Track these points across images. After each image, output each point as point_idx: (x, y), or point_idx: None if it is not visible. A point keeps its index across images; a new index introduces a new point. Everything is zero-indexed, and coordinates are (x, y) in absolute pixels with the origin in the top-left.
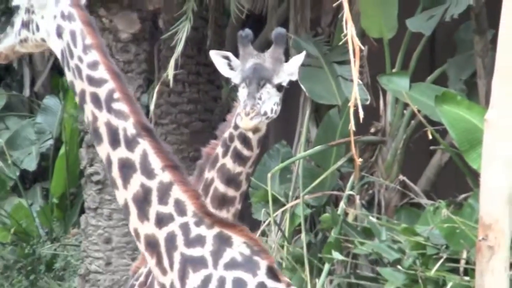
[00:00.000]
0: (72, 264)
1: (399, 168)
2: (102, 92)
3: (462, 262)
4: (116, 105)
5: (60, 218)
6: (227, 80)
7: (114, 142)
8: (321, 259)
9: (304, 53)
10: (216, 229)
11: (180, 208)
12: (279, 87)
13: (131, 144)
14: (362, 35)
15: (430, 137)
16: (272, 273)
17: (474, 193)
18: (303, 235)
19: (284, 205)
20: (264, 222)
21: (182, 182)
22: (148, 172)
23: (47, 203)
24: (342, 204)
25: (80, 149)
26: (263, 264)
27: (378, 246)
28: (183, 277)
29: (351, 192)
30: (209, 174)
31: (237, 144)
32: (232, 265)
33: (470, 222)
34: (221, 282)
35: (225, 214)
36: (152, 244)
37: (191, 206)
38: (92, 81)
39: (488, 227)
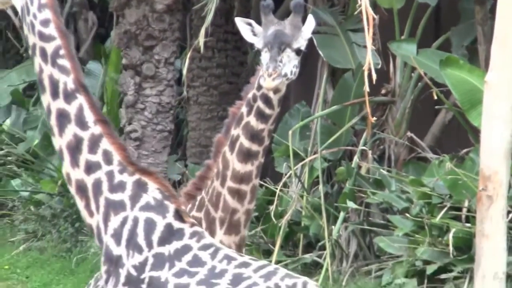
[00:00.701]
0: None
1: (407, 126)
2: (49, 47)
3: (464, 210)
4: (60, 61)
5: None
6: (252, 46)
7: (55, 93)
8: (337, 208)
9: (312, 18)
10: (136, 176)
11: (107, 158)
12: (298, 51)
13: (69, 97)
14: (374, 5)
15: (435, 97)
16: (179, 215)
17: (475, 148)
18: (320, 186)
19: (303, 159)
20: (286, 174)
21: (111, 135)
22: (82, 124)
23: None
24: (356, 158)
25: (120, 109)
26: (171, 207)
27: (388, 196)
28: (106, 219)
29: (364, 148)
30: (235, 131)
31: (259, 103)
32: (146, 207)
33: (471, 174)
34: (135, 221)
35: (250, 167)
36: (81, 189)
37: (117, 156)
38: (42, 36)
39: (488, 178)
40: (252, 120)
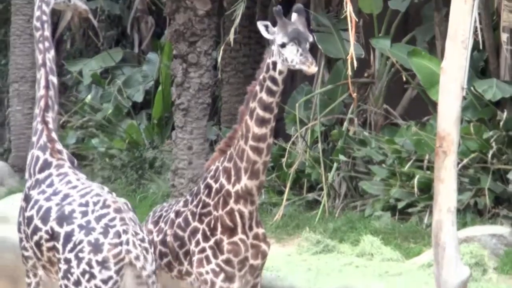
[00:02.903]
0: (166, 163)
1: (384, 100)
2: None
3: (425, 162)
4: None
5: (158, 133)
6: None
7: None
8: (331, 160)
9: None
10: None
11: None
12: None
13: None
14: (359, 11)
15: (404, 79)
16: (51, 153)
17: (434, 116)
18: (319, 144)
19: (306, 124)
20: (293, 135)
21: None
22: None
23: (149, 123)
24: (345, 124)
25: (171, 88)
26: (49, 148)
27: (369, 151)
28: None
29: (351, 116)
30: (252, 104)
31: (268, 83)
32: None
33: (431, 135)
34: (32, 156)
35: (265, 130)
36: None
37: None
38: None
39: (443, 138)
40: (264, 95)
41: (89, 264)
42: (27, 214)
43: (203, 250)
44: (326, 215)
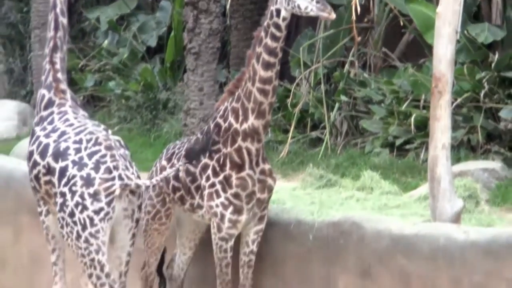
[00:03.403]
0: (179, 104)
1: (382, 43)
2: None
3: (422, 101)
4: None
5: (171, 76)
6: None
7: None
8: (333, 100)
9: None
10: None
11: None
12: None
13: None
14: None
15: (402, 24)
16: (54, 93)
17: (429, 58)
18: (322, 85)
19: (310, 67)
20: (298, 77)
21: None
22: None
23: (163, 67)
24: (346, 66)
25: (183, 33)
26: (53, 88)
27: (369, 91)
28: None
29: (352, 59)
30: (258, 49)
31: (272, 29)
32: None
33: (427, 76)
34: (39, 94)
35: (270, 73)
36: None
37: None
38: None
39: (438, 79)
40: (268, 41)
41: (81, 196)
42: (29, 148)
43: (213, 185)
44: (328, 152)
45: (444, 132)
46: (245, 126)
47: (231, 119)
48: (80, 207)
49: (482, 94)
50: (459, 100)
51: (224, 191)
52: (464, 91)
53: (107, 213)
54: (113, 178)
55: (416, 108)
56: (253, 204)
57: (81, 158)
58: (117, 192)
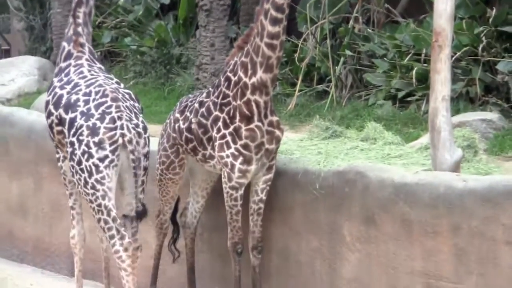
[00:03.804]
0: (191, 59)
1: (385, 0)
2: None
3: (423, 55)
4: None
5: (184, 32)
6: None
7: None
8: (338, 55)
9: None
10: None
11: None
12: None
13: None
14: None
15: None
16: (74, 45)
17: (430, 14)
18: (328, 40)
19: (316, 23)
20: (305, 33)
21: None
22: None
23: (176, 23)
24: (351, 22)
25: None
26: (73, 41)
27: (373, 46)
28: None
29: (356, 15)
30: (266, 6)
31: None
32: (65, 40)
33: (428, 31)
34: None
35: (278, 28)
36: None
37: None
38: None
39: (438, 34)
40: None
41: (87, 145)
42: (46, 98)
43: (223, 136)
44: (334, 104)
45: (444, 84)
46: (254, 79)
47: (240, 73)
48: (86, 155)
49: (480, 48)
50: (458, 53)
51: (234, 142)
52: (463, 45)
53: (111, 161)
54: (116, 128)
55: (418, 61)
56: (261, 155)
57: (88, 109)
58: (120, 140)
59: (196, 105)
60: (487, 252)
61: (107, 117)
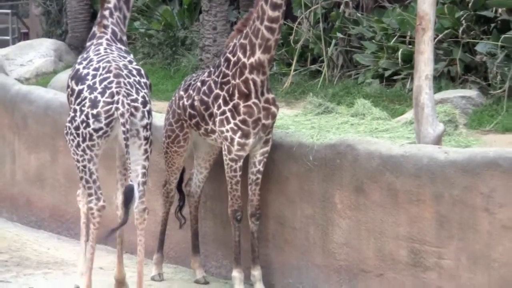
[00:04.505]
0: (195, 41)
1: None
2: None
3: (408, 37)
4: None
5: (188, 16)
6: None
7: None
8: (330, 37)
9: None
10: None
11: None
12: None
13: None
14: None
15: None
16: (98, 26)
17: None
18: (321, 24)
19: (310, 7)
20: (299, 17)
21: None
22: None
23: (181, 8)
24: (342, 7)
25: None
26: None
27: (362, 29)
28: None
29: (347, 0)
30: None
31: None
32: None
33: (412, 15)
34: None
35: (277, 13)
36: None
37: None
38: None
39: (422, 17)
40: None
41: (87, 116)
42: (69, 72)
43: (223, 113)
44: (326, 82)
45: (427, 64)
46: (252, 60)
47: (239, 54)
48: (84, 124)
49: (460, 31)
50: (440, 36)
51: (233, 117)
52: (445, 28)
53: (105, 132)
54: (113, 102)
55: (403, 43)
56: (259, 129)
57: (94, 83)
58: (115, 115)
59: (199, 83)
60: (467, 218)
61: (108, 92)
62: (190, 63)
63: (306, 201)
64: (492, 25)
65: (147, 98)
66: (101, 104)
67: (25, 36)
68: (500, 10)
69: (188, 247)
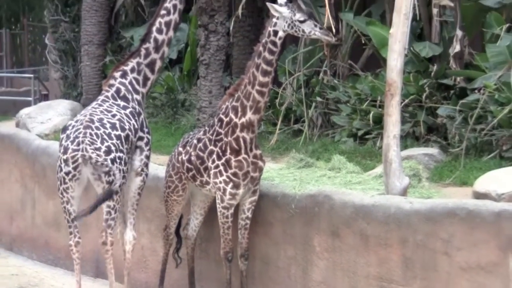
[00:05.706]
0: (193, 103)
1: (348, 57)
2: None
3: (378, 101)
4: None
5: (187, 81)
6: (268, 14)
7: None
8: (311, 100)
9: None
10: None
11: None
12: None
13: None
14: None
15: (363, 42)
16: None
17: (384, 68)
18: (302, 89)
19: (293, 74)
20: (284, 83)
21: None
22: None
23: (181, 74)
24: (321, 74)
25: (197, 48)
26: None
27: (338, 94)
28: None
29: (325, 68)
30: (258, 60)
31: (269, 45)
32: None
33: (382, 82)
34: None
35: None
36: None
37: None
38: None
39: (391, 84)
40: (266, 54)
41: (60, 161)
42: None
43: (217, 166)
44: (307, 140)
45: (395, 125)
46: (243, 119)
47: (231, 114)
48: (59, 169)
49: (424, 96)
50: (406, 100)
51: (226, 171)
52: (410, 94)
53: (74, 175)
54: (79, 150)
55: (374, 107)
56: (248, 181)
57: (71, 133)
58: (80, 160)
59: (195, 141)
60: (428, 260)
61: (76, 141)
62: (188, 122)
63: (289, 243)
64: (452, 91)
65: (112, 148)
66: (69, 151)
67: (45, 97)
68: (458, 78)
69: (185, 283)
